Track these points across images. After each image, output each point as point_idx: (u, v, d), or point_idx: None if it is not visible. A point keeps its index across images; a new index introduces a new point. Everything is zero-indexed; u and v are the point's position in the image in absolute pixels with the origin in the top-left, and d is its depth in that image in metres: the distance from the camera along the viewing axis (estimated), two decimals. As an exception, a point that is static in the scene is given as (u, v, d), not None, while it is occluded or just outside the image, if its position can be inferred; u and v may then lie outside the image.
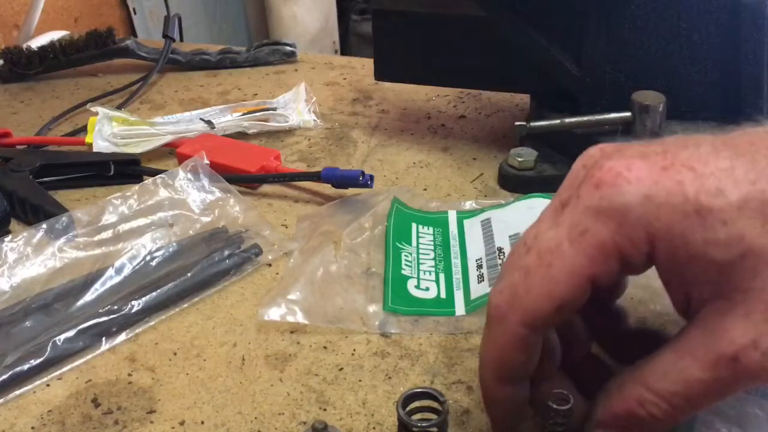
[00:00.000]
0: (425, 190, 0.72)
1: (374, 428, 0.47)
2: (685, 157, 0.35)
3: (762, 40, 0.63)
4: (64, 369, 0.52)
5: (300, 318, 0.54)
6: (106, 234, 0.62)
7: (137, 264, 0.60)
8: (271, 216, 0.68)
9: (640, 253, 0.35)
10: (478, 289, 0.56)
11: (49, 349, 0.52)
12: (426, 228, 0.64)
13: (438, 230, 0.63)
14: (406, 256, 0.60)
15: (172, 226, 0.64)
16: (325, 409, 0.49)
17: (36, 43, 1.03)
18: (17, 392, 0.50)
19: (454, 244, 0.62)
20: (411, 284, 0.58)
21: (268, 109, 0.84)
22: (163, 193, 0.67)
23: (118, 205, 0.65)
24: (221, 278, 0.60)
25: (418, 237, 0.62)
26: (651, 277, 0.37)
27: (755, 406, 0.42)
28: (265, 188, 0.73)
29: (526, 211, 0.62)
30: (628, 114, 0.66)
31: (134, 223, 0.63)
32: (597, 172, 0.36)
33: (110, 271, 0.58)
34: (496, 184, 0.72)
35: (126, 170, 0.74)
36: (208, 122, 0.81)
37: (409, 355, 0.53)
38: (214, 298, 0.59)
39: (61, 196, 0.71)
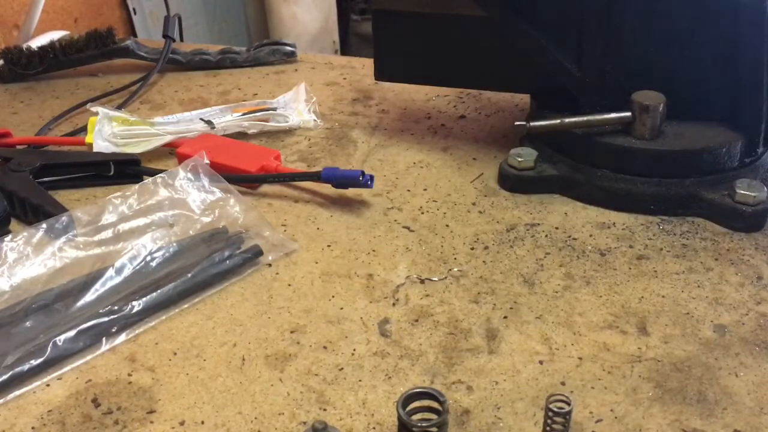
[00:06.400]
0: (425, 190, 0.72)
1: (374, 428, 0.47)
2: None
3: (762, 40, 0.63)
4: (64, 369, 0.52)
5: None
6: (106, 234, 0.62)
7: (138, 264, 0.60)
8: (271, 216, 0.68)
9: None
10: None
11: (49, 349, 0.52)
12: None
13: None
14: None
15: (172, 226, 0.64)
16: (325, 409, 0.49)
17: (36, 43, 1.03)
18: (17, 392, 0.50)
19: None
20: None
21: (268, 109, 0.84)
22: (163, 193, 0.67)
23: (118, 204, 0.65)
24: (221, 279, 0.60)
25: None
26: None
27: None
28: (265, 188, 0.73)
29: None
30: (628, 114, 0.66)
31: (134, 223, 0.63)
32: None
33: (110, 271, 0.58)
34: (496, 184, 0.72)
35: (126, 170, 0.74)
36: (208, 122, 0.81)
37: (409, 355, 0.53)
38: (214, 299, 0.59)
39: (61, 196, 0.71)
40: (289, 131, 0.84)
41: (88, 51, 0.98)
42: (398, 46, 0.77)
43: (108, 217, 0.64)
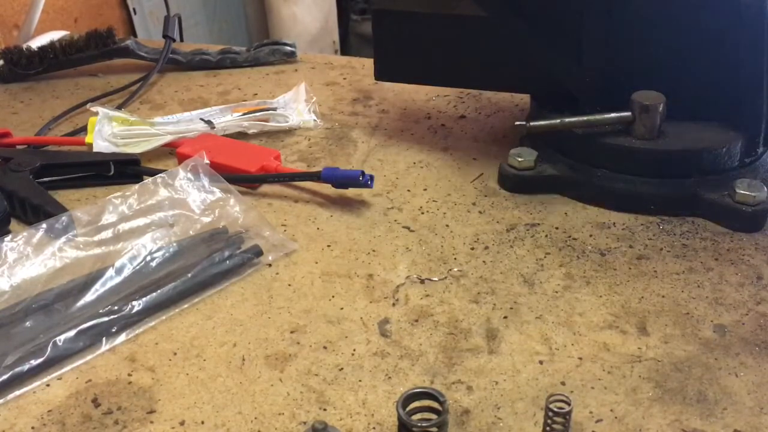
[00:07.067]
0: (425, 190, 0.72)
1: (374, 428, 0.47)
2: None
3: (762, 40, 0.63)
4: (64, 369, 0.52)
5: None
6: (106, 234, 0.62)
7: (138, 264, 0.60)
8: (271, 216, 0.68)
9: None
10: None
11: (49, 349, 0.52)
12: None
13: None
14: None
15: (172, 226, 0.64)
16: (325, 409, 0.49)
17: (36, 43, 1.03)
18: (17, 392, 0.50)
19: None
20: None
21: (268, 109, 0.84)
22: (164, 193, 0.67)
23: (118, 204, 0.65)
24: (221, 279, 0.60)
25: None
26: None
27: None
28: (265, 188, 0.73)
29: None
30: (628, 114, 0.66)
31: (134, 223, 0.63)
32: None
33: (110, 271, 0.58)
34: (496, 184, 0.72)
35: (126, 170, 0.74)
36: (208, 122, 0.81)
37: (409, 355, 0.53)
38: (214, 299, 0.59)
39: (61, 196, 0.70)
40: (289, 131, 0.84)
41: (88, 51, 0.98)
42: (398, 46, 0.77)
43: (108, 217, 0.64)
